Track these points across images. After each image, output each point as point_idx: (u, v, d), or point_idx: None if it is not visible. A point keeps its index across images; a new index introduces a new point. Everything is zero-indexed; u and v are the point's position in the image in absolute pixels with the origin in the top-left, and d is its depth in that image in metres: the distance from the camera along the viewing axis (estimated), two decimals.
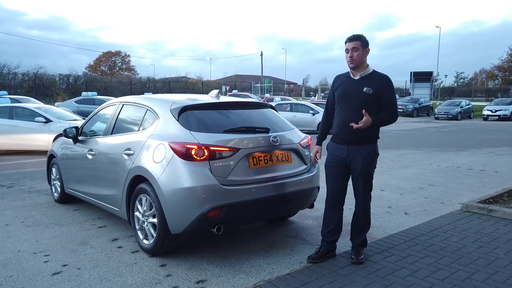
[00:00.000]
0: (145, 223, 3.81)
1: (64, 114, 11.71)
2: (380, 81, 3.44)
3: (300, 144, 4.09)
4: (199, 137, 3.54)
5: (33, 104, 13.77)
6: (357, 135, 3.45)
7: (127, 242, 4.14)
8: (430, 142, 13.53)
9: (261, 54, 57.08)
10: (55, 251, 3.90)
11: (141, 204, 3.86)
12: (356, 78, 3.49)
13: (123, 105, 4.64)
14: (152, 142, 3.77)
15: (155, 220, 3.66)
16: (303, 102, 21.22)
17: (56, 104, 18.79)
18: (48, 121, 10.48)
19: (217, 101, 4.16)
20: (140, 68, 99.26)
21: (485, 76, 72.11)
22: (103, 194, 4.54)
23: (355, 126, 3.37)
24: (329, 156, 3.66)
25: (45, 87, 30.86)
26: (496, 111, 27.14)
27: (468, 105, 30.00)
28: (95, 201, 4.75)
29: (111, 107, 4.88)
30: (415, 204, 5.52)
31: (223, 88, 37.78)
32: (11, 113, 10.87)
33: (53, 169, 5.82)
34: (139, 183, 3.85)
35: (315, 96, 43.63)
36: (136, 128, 4.22)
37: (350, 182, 3.65)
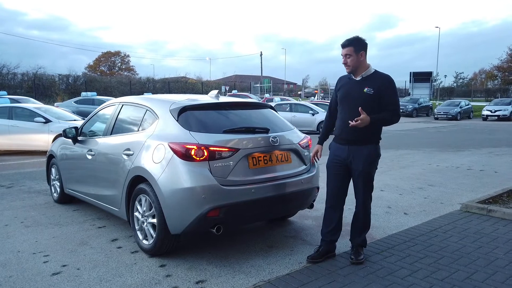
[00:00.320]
0: (145, 224, 3.81)
1: (63, 114, 11.71)
2: (381, 81, 3.44)
3: (299, 144, 4.09)
4: (198, 138, 3.54)
5: (32, 104, 13.76)
6: (358, 135, 3.46)
7: (126, 242, 4.14)
8: (430, 142, 13.54)
9: (261, 54, 57.14)
10: (55, 251, 3.90)
11: (140, 205, 3.85)
12: (358, 79, 3.50)
13: (122, 105, 4.64)
14: (152, 143, 3.77)
15: (154, 220, 3.66)
16: (302, 102, 21.24)
17: (55, 104, 18.77)
18: (47, 121, 10.48)
19: (216, 101, 4.16)
20: (140, 68, 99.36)
21: (485, 76, 72.12)
22: (102, 195, 4.53)
23: (351, 123, 3.38)
24: (331, 156, 3.67)
25: (45, 87, 30.85)
26: (495, 111, 27.18)
27: (467, 105, 30.04)
28: (94, 201, 4.75)
29: (110, 107, 4.88)
30: (414, 204, 5.52)
31: (223, 88, 37.80)
32: (10, 113, 10.87)
33: (53, 170, 5.82)
34: (138, 183, 3.85)
35: (314, 96, 43.62)
36: (135, 128, 4.21)
37: (351, 183, 3.66)
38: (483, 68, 74.90)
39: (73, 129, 5.13)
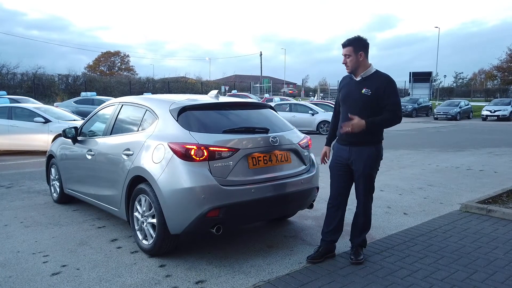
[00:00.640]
0: (145, 224, 3.81)
1: (63, 114, 11.71)
2: (380, 81, 3.41)
3: (299, 144, 4.09)
4: (198, 138, 3.54)
5: (32, 104, 13.76)
6: (358, 136, 3.45)
7: (126, 242, 4.14)
8: (429, 143, 13.55)
9: (261, 55, 57.14)
10: (54, 251, 3.90)
11: (140, 205, 3.85)
12: (357, 79, 3.50)
13: (122, 105, 4.64)
14: (152, 143, 3.77)
15: (154, 220, 3.66)
16: (302, 102, 21.25)
17: (55, 104, 18.76)
18: (47, 121, 10.47)
19: (216, 101, 4.16)
20: (139, 68, 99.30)
21: (484, 77, 72.17)
22: (102, 195, 4.53)
23: (342, 131, 3.39)
24: (333, 156, 3.68)
25: (44, 87, 30.84)
26: (495, 111, 27.21)
27: (467, 105, 30.06)
28: (94, 201, 4.75)
29: (110, 107, 4.88)
30: (414, 205, 5.52)
31: (223, 88, 37.78)
32: (10, 113, 10.86)
33: (52, 170, 5.82)
34: (138, 183, 3.85)
35: (314, 97, 43.63)
36: (135, 128, 4.21)
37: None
38: (483, 68, 75.00)
39: (73, 129, 5.13)
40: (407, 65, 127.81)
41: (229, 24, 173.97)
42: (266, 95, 34.60)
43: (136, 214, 3.93)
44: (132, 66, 68.99)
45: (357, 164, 3.50)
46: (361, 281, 3.19)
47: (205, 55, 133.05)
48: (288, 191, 3.83)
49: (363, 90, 3.41)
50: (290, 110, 17.74)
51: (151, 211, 3.71)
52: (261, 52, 57.08)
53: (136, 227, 3.93)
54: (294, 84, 74.43)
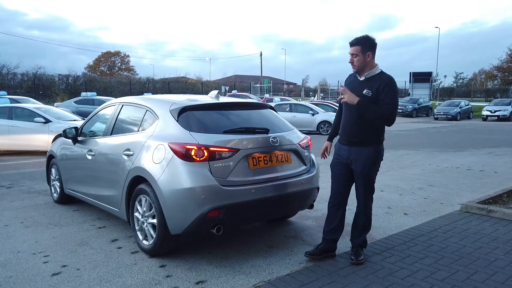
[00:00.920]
0: (145, 224, 3.81)
1: (63, 114, 11.70)
2: (381, 82, 3.39)
3: (299, 144, 4.09)
4: (198, 138, 3.54)
5: (32, 104, 13.76)
6: (357, 136, 3.46)
7: (126, 242, 4.14)
8: (430, 143, 13.54)
9: (261, 55, 57.15)
10: (55, 251, 3.90)
11: (140, 205, 3.85)
12: (361, 79, 3.49)
13: (122, 105, 4.64)
14: (152, 143, 3.77)
15: (154, 220, 3.66)
16: (302, 102, 21.24)
17: (55, 104, 18.76)
18: (47, 121, 10.47)
19: (216, 101, 4.16)
20: (140, 68, 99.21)
21: (484, 77, 72.13)
22: (102, 195, 4.53)
23: (340, 94, 3.43)
24: (334, 155, 3.69)
25: (45, 88, 30.83)
26: (495, 111, 27.20)
27: (467, 105, 30.06)
28: (94, 201, 4.75)
29: (110, 107, 4.88)
30: (414, 205, 5.52)
31: (223, 88, 37.78)
32: (10, 113, 10.86)
33: (53, 170, 5.82)
34: (138, 183, 3.85)
35: (314, 97, 43.60)
36: (135, 128, 4.21)
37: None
38: (483, 69, 74.94)
39: (73, 129, 5.13)
40: (407, 65, 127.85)
41: (229, 24, 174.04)
42: (266, 95, 34.59)
43: (136, 214, 3.93)
44: (132, 66, 69.06)
45: (356, 164, 3.50)
46: (361, 282, 3.19)
47: (205, 55, 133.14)
48: (288, 192, 3.83)
49: (364, 91, 3.40)
50: (290, 110, 17.74)
51: (151, 212, 3.71)
52: (261, 52, 57.16)
53: (137, 228, 3.93)
54: (294, 84, 74.46)
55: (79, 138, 5.09)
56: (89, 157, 4.70)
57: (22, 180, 7.31)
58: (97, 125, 5.08)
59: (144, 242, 3.83)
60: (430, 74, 44.71)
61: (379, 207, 5.33)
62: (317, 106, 18.55)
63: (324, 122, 16.86)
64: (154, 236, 3.69)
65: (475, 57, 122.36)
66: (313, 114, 17.28)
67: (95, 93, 21.75)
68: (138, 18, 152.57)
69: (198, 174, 3.43)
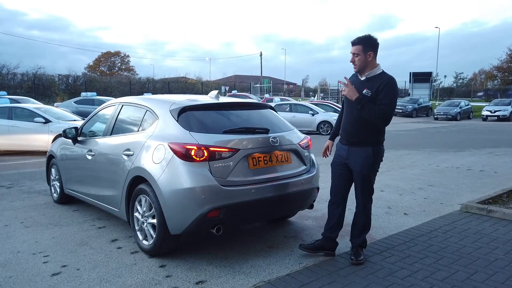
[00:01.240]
0: (145, 224, 3.81)
1: (63, 114, 11.70)
2: (381, 82, 3.38)
3: (299, 144, 4.09)
4: (198, 138, 3.54)
5: (32, 104, 13.75)
6: (356, 136, 3.47)
7: (126, 242, 4.14)
8: (430, 143, 13.54)
9: (261, 55, 57.13)
10: (55, 251, 3.90)
11: (140, 205, 3.85)
12: (362, 79, 3.49)
13: (122, 105, 4.64)
14: (152, 143, 3.77)
15: (154, 220, 3.66)
16: (302, 102, 21.23)
17: (55, 104, 18.75)
18: (47, 121, 10.47)
19: (216, 101, 4.16)
20: (140, 68, 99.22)
21: (484, 77, 72.13)
22: (102, 195, 4.53)
23: (341, 85, 3.44)
24: (334, 155, 3.71)
25: (44, 88, 30.83)
26: (495, 111, 27.20)
27: (467, 105, 30.05)
28: (94, 201, 4.74)
29: (110, 107, 4.88)
30: (414, 205, 5.52)
31: (223, 88, 37.76)
32: (10, 113, 10.86)
33: (53, 170, 5.82)
34: (138, 183, 3.85)
35: (314, 97, 43.58)
36: (135, 128, 4.21)
37: None
38: (483, 69, 74.96)
39: (73, 129, 5.13)
40: (407, 65, 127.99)
41: (229, 24, 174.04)
42: (266, 95, 34.58)
43: (136, 214, 3.93)
44: (132, 66, 69.04)
45: (354, 164, 3.51)
46: (361, 282, 3.19)
47: (205, 55, 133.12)
48: (288, 192, 3.83)
49: (364, 91, 3.40)
50: (290, 110, 17.74)
51: (151, 212, 3.71)
52: (261, 52, 57.13)
53: (136, 228, 3.93)
54: (294, 84, 74.46)
55: (79, 138, 5.09)
56: (89, 157, 4.69)
57: (22, 180, 7.31)
58: (97, 125, 5.08)
59: (144, 242, 3.83)
60: (430, 74, 44.71)
61: (379, 207, 5.33)
62: (317, 106, 18.55)
63: (324, 122, 16.86)
64: (154, 236, 3.69)
65: (475, 57, 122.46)
66: (313, 114, 17.28)
67: (95, 93, 21.75)
68: (138, 18, 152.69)
69: (198, 174, 3.43)
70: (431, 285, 3.14)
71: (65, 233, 4.45)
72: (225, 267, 3.52)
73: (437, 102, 40.48)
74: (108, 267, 3.53)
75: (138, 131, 4.14)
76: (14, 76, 32.43)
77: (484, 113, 27.67)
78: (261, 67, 57.19)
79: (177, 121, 3.75)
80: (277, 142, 3.83)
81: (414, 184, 6.81)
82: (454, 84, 70.75)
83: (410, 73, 43.79)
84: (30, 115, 10.73)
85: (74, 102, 19.41)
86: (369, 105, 3.34)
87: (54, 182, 5.79)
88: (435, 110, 29.33)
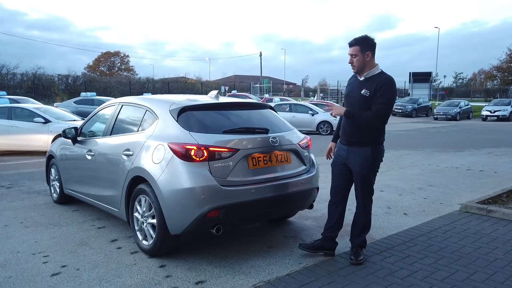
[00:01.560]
0: (145, 224, 3.81)
1: (63, 114, 11.70)
2: (379, 82, 3.38)
3: (299, 144, 4.09)
4: (198, 138, 3.54)
5: (32, 104, 13.75)
6: (355, 136, 3.47)
7: (126, 243, 4.14)
8: (429, 143, 13.55)
9: (260, 55, 57.13)
10: (54, 252, 3.90)
11: (140, 205, 3.85)
12: (361, 79, 3.49)
13: (122, 105, 4.64)
14: (152, 143, 3.77)
15: (154, 221, 3.66)
16: (302, 102, 21.23)
17: (55, 104, 18.73)
18: (47, 121, 10.47)
19: (216, 101, 4.16)
20: (139, 68, 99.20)
21: (484, 77, 72.15)
22: (102, 195, 4.53)
23: (325, 108, 3.52)
24: (334, 155, 3.73)
25: (44, 88, 30.82)
26: (495, 111, 27.21)
27: (467, 105, 30.05)
28: (94, 201, 4.74)
29: (110, 107, 4.88)
30: (414, 205, 5.52)
31: (222, 88, 37.74)
32: (10, 113, 10.85)
33: (52, 170, 5.82)
34: (138, 183, 3.85)
35: (314, 97, 43.57)
36: (135, 128, 4.21)
37: None
38: (483, 69, 74.97)
39: (73, 130, 5.13)
40: (407, 65, 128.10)
41: (229, 24, 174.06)
42: (266, 95, 34.57)
43: (136, 214, 3.92)
44: (132, 66, 68.96)
45: (353, 164, 3.51)
46: (361, 282, 3.19)
47: (205, 55, 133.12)
48: (288, 192, 3.83)
49: (363, 91, 3.41)
50: (290, 110, 17.74)
51: (151, 212, 3.71)
52: (260, 52, 57.13)
53: (136, 228, 3.93)
54: (294, 84, 74.45)
55: (79, 138, 5.09)
56: (89, 157, 4.69)
57: (21, 180, 7.30)
58: (96, 125, 5.08)
59: (144, 242, 3.83)
60: (429, 74, 44.69)
61: (379, 207, 5.33)
62: (316, 106, 18.54)
63: (324, 122, 16.85)
64: (154, 236, 3.69)
65: (475, 57, 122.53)
66: (312, 114, 17.28)
67: (94, 93, 21.74)
68: (138, 18, 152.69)
69: (197, 174, 3.43)
70: (431, 285, 3.14)
71: (64, 233, 4.45)
72: (225, 267, 3.52)
73: (437, 102, 40.48)
74: (108, 267, 3.53)
75: (137, 131, 4.14)
76: (14, 76, 32.42)
77: (484, 113, 27.68)
78: (261, 67, 57.25)
79: (176, 121, 3.75)
80: (277, 142, 3.83)
81: (413, 184, 6.81)
82: (454, 84, 70.83)
83: (410, 73, 43.78)
84: (29, 115, 10.72)
85: (74, 102, 19.40)
86: (361, 114, 3.37)
87: (53, 182, 5.79)
88: (434, 110, 29.34)
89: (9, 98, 14.88)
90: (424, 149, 11.66)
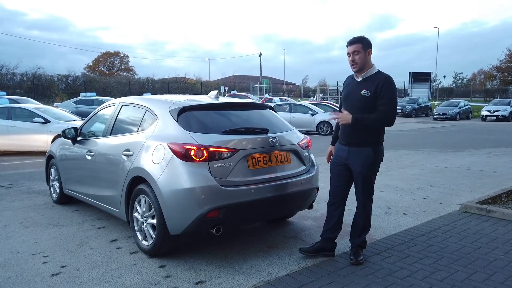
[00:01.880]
0: (144, 224, 3.81)
1: (62, 114, 11.70)
2: (379, 82, 3.39)
3: (299, 145, 4.09)
4: (198, 138, 3.54)
5: (31, 104, 13.74)
6: (356, 137, 3.47)
7: (126, 243, 4.14)
8: (429, 143, 13.55)
9: (260, 55, 57.21)
10: (54, 252, 3.90)
11: (140, 205, 3.85)
12: (359, 80, 3.49)
13: (122, 105, 4.64)
14: (151, 143, 3.77)
15: (154, 221, 3.66)
16: (301, 102, 21.23)
17: (54, 104, 18.73)
18: (46, 121, 10.46)
19: (216, 101, 4.16)
20: (139, 68, 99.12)
21: (484, 77, 72.21)
22: (102, 195, 4.53)
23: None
24: (334, 156, 3.72)
25: (44, 88, 30.82)
26: (494, 111, 27.22)
27: (466, 105, 30.07)
28: (94, 202, 4.74)
29: (110, 107, 4.88)
30: (414, 205, 5.53)
31: (222, 88, 37.75)
32: (9, 113, 10.85)
33: (52, 170, 5.82)
34: (138, 184, 3.85)
35: (313, 97, 43.59)
36: (135, 129, 4.21)
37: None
38: (482, 69, 75.05)
39: (73, 130, 5.13)
40: (407, 65, 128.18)
41: (229, 24, 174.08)
42: (266, 96, 34.58)
43: (136, 214, 3.92)
44: (131, 66, 68.93)
45: (354, 165, 3.51)
46: (361, 282, 3.19)
47: (205, 55, 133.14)
48: (288, 192, 3.83)
49: (363, 92, 3.41)
50: (290, 111, 17.74)
51: (151, 212, 3.71)
52: (260, 53, 57.21)
53: (136, 228, 3.93)
54: (294, 84, 74.46)
55: (79, 139, 5.09)
56: (89, 158, 4.69)
57: (21, 181, 7.30)
58: (96, 125, 5.08)
59: (144, 242, 3.83)
60: (429, 74, 44.71)
61: (379, 207, 5.33)
62: (316, 106, 18.55)
63: (324, 122, 16.85)
64: (154, 236, 3.69)
65: (475, 57, 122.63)
66: (312, 115, 17.28)
67: (94, 94, 21.75)
68: (138, 18, 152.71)
69: (197, 174, 3.43)
70: (431, 285, 3.14)
71: (64, 233, 4.45)
72: (224, 267, 3.52)
73: (437, 102, 40.50)
74: (108, 268, 3.53)
75: (137, 131, 4.14)
76: (14, 76, 32.43)
77: (483, 113, 27.68)
78: (261, 67, 57.31)
79: (176, 121, 3.75)
80: (277, 142, 3.83)
81: (413, 184, 6.82)
82: (453, 84, 70.87)
83: (410, 73, 43.80)
84: (29, 115, 10.72)
85: (74, 102, 19.40)
86: (368, 118, 3.37)
87: (53, 182, 5.79)
88: (434, 110, 29.35)
89: (8, 98, 14.89)
90: (423, 149, 11.66)
